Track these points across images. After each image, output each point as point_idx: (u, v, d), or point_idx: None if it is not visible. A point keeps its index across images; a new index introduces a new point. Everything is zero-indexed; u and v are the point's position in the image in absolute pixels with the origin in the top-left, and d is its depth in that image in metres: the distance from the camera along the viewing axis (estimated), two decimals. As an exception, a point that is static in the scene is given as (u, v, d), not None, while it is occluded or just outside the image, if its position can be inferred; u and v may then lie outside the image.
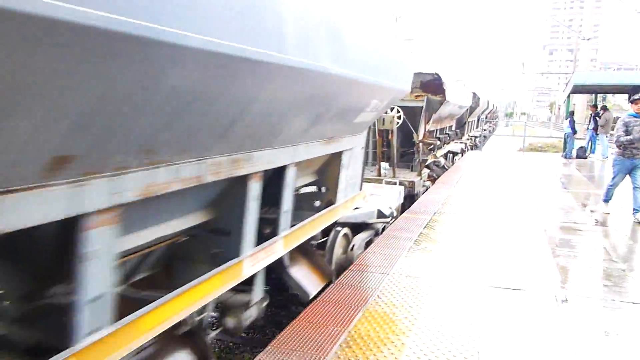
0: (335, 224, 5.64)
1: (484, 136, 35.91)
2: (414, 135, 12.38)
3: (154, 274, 3.43)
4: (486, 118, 39.05)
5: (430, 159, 13.64)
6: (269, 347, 3.39)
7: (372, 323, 3.83)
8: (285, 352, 3.31)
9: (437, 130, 15.29)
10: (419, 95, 12.24)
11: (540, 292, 4.58)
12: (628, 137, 7.60)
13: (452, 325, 3.83)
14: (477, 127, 31.58)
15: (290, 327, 3.71)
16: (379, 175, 11.10)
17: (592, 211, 8.61)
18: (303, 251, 4.99)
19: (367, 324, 3.81)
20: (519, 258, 5.63)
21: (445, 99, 12.68)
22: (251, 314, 3.94)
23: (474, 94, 22.51)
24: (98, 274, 2.24)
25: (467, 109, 20.82)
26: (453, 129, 19.46)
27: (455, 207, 8.44)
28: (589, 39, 30.12)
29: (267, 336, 5.69)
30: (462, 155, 19.17)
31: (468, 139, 24.74)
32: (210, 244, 3.54)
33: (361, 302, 4.24)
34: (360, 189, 6.32)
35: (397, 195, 8.43)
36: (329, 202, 5.38)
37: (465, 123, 23.63)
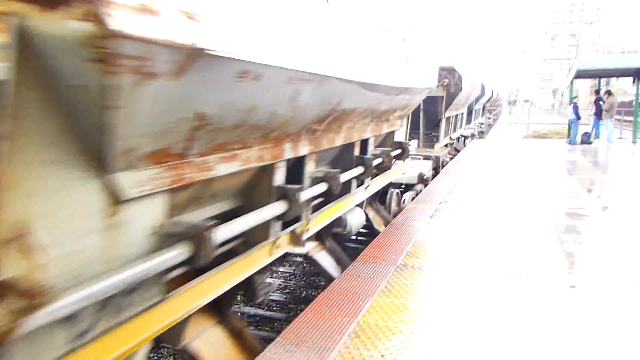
0: (390, 185, 7.79)
1: (489, 124, 36.23)
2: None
3: None
4: (490, 106, 39.41)
5: (447, 140, 16.62)
6: (279, 338, 3.42)
7: (381, 313, 3.85)
8: (295, 343, 3.34)
9: (452, 115, 17.89)
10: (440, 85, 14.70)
11: (547, 278, 4.59)
12: None
13: (462, 314, 3.84)
14: (482, 115, 32.45)
15: (299, 318, 3.73)
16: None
17: None
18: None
19: (376, 314, 3.83)
20: (526, 245, 5.64)
21: (461, 89, 15.52)
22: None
23: (481, 84, 23.84)
24: None
25: (475, 98, 22.25)
26: (465, 116, 21.76)
27: (460, 196, 8.44)
28: (591, 23, 29.94)
29: (276, 329, 5.73)
30: (471, 139, 21.78)
31: (476, 125, 25.85)
32: None
33: (369, 292, 4.25)
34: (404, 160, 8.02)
35: (429, 165, 11.16)
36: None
37: (472, 111, 24.70)
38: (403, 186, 9.42)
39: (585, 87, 29.87)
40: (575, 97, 20.07)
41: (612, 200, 8.32)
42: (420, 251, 5.40)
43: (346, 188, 5.39)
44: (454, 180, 10.08)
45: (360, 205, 6.12)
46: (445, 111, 15.65)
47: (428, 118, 15.09)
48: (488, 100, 34.90)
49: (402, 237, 5.94)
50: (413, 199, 8.73)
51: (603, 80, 23.11)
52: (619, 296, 4.20)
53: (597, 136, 19.24)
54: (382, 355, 3.21)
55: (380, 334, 3.50)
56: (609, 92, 19.00)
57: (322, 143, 4.46)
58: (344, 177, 4.87)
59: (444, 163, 13.55)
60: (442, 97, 14.97)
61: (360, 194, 5.88)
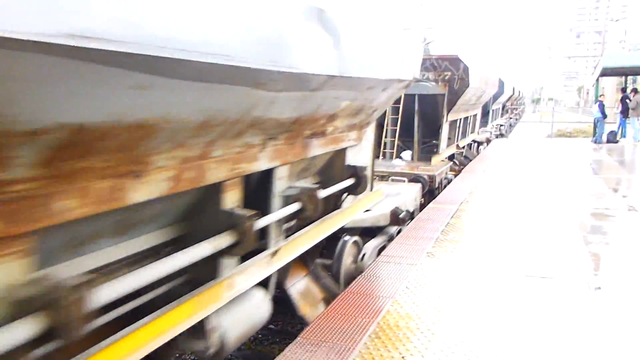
0: (342, 230, 5.04)
1: (510, 124, 35.43)
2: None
3: None
4: (511, 105, 38.48)
5: (452, 150, 13.52)
6: (299, 338, 3.41)
7: (401, 314, 3.82)
8: (315, 343, 3.33)
9: (460, 119, 14.78)
10: (440, 77, 12.04)
11: (572, 280, 4.50)
12: None
13: (484, 315, 3.79)
14: (502, 115, 30.96)
15: (319, 318, 3.72)
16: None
17: None
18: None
19: (396, 315, 3.80)
20: (550, 246, 5.54)
21: (468, 85, 12.33)
22: None
23: (500, 80, 22.17)
24: None
25: (492, 97, 20.53)
26: (479, 117, 19.14)
27: (482, 196, 8.34)
28: (617, 20, 29.33)
29: (296, 327, 5.72)
30: (487, 145, 18.20)
31: (493, 128, 24.35)
32: None
33: (390, 293, 4.23)
34: (371, 189, 5.66)
35: (415, 192, 7.75)
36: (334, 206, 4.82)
37: (489, 111, 23.28)
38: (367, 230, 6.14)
39: (611, 85, 29.32)
40: (602, 95, 19.69)
41: (638, 200, 8.13)
42: (441, 251, 5.34)
43: (211, 271, 3.04)
44: (476, 179, 9.96)
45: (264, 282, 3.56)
46: (448, 113, 12.49)
47: (425, 123, 12.38)
48: (509, 99, 33.56)
49: (423, 237, 5.88)
50: (381, 249, 5.74)
51: (630, 78, 22.65)
52: (646, 299, 4.10)
53: (623, 135, 18.85)
54: (402, 357, 3.18)
55: (401, 335, 3.47)
56: (635, 90, 18.57)
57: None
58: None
59: (444, 184, 10.26)
60: (443, 95, 11.98)
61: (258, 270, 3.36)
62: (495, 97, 23.07)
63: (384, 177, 9.33)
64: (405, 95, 11.60)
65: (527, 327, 3.57)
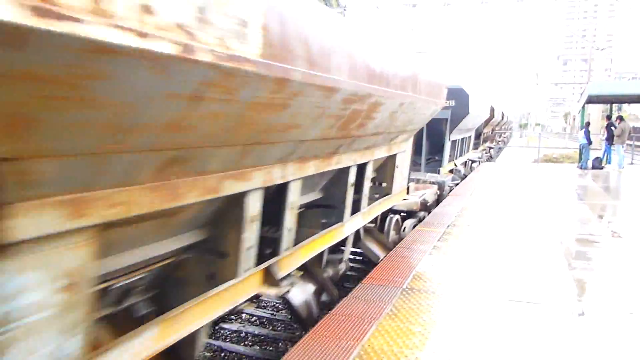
0: (390, 211, 7.48)
1: (499, 148, 36.08)
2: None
3: None
4: (500, 129, 39.22)
5: (452, 166, 16.06)
6: (282, 361, 3.38)
7: (386, 337, 3.81)
8: (299, 366, 3.30)
9: (458, 139, 17.26)
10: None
11: (556, 305, 4.52)
12: None
13: (468, 340, 3.79)
14: (491, 139, 32.15)
15: (303, 341, 3.70)
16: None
17: None
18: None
19: (381, 338, 3.78)
20: (534, 271, 5.57)
21: (468, 112, 14.79)
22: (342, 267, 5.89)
23: (491, 107, 23.58)
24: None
25: (484, 121, 21.79)
26: (472, 139, 21.51)
27: (469, 220, 8.39)
28: (603, 49, 30.03)
29: (280, 349, 5.67)
30: (479, 164, 20.74)
31: (484, 150, 25.42)
32: None
33: (375, 316, 4.21)
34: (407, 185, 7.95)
35: (433, 191, 10.48)
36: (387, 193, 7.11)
37: (481, 134, 24.31)
38: (404, 214, 8.77)
39: (597, 112, 29.84)
40: (588, 123, 20.02)
41: (623, 226, 8.22)
42: (427, 275, 5.35)
43: (339, 216, 5.19)
44: (462, 203, 10.02)
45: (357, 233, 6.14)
46: (450, 134, 14.98)
47: (431, 142, 14.50)
48: (498, 124, 34.64)
49: (409, 260, 5.90)
50: (414, 226, 8.20)
51: (615, 106, 23.06)
52: (628, 325, 4.12)
53: (608, 161, 19.12)
54: (386, 381, 3.15)
55: (385, 359, 3.45)
56: (620, 118, 18.92)
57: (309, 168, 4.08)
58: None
59: (450, 189, 12.92)
60: (447, 119, 14.41)
61: (357, 220, 5.63)
62: (487, 122, 24.38)
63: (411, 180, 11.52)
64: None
65: (511, 354, 3.58)
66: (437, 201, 10.76)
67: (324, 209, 5.19)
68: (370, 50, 3.98)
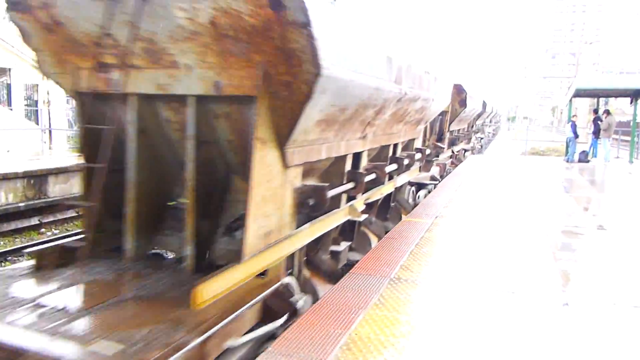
0: (408, 183, 9.42)
1: (488, 140, 36.74)
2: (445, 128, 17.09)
3: None
4: (490, 122, 39.81)
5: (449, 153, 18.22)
6: (270, 348, 3.40)
7: (373, 326, 3.84)
8: (286, 354, 3.32)
9: (455, 130, 19.42)
10: None
11: (541, 295, 4.59)
12: None
13: (454, 329, 3.83)
14: (482, 131, 33.21)
15: (291, 329, 3.72)
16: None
17: None
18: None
19: (368, 327, 3.82)
20: (520, 262, 5.64)
21: (466, 106, 17.03)
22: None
23: (483, 101, 24.91)
24: None
25: (476, 114, 23.12)
26: (466, 130, 23.21)
27: (456, 211, 8.45)
28: (591, 43, 30.23)
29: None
30: (472, 152, 23.61)
31: (475, 140, 26.48)
32: None
33: (362, 305, 4.24)
34: (422, 162, 9.80)
35: (438, 170, 13.37)
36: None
37: (473, 126, 25.39)
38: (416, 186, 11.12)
39: (584, 106, 30.09)
40: (574, 116, 20.18)
41: (607, 219, 8.34)
42: (414, 265, 5.39)
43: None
44: (450, 194, 10.09)
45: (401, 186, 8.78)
46: (449, 125, 16.82)
47: (433, 132, 16.30)
48: (488, 116, 35.40)
49: (397, 250, 5.94)
50: (426, 195, 10.55)
51: (602, 100, 23.25)
52: (611, 315, 4.19)
53: (594, 155, 19.32)
54: (373, 369, 3.19)
55: (372, 347, 3.49)
56: (607, 112, 19.12)
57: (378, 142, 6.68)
58: (388, 168, 7.04)
59: (449, 170, 15.67)
60: (447, 112, 16.44)
61: (403, 176, 8.37)
62: (479, 115, 25.68)
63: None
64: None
65: (496, 342, 3.63)
66: (441, 177, 13.50)
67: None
68: (421, 65, 6.53)
